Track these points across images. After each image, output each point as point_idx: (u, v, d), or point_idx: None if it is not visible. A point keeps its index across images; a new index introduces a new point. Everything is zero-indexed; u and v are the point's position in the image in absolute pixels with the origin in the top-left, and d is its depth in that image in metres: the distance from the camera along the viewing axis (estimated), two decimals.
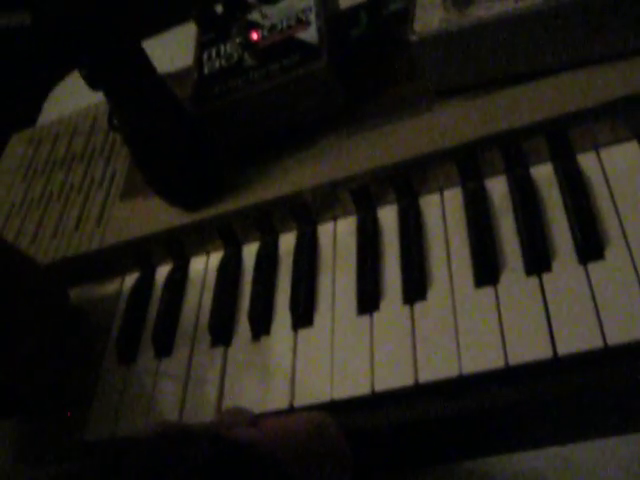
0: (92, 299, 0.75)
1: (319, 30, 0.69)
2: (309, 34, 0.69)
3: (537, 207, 0.60)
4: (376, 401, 0.57)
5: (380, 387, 0.56)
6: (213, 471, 0.39)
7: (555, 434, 0.55)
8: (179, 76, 0.77)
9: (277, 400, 0.59)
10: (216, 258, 0.71)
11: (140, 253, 0.73)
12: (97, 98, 0.95)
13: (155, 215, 0.72)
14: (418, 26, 0.63)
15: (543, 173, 0.62)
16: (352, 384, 0.57)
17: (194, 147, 0.68)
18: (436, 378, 0.55)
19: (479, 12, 0.61)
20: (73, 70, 1.23)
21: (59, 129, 0.91)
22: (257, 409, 0.58)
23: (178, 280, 0.71)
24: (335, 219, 0.68)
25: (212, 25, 0.77)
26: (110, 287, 0.75)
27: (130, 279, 0.74)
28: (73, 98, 1.16)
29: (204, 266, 0.71)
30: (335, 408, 0.57)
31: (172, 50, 0.90)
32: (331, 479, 0.49)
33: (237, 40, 0.71)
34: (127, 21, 0.62)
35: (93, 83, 0.61)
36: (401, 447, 0.57)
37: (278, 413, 0.58)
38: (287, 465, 0.44)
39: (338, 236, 0.66)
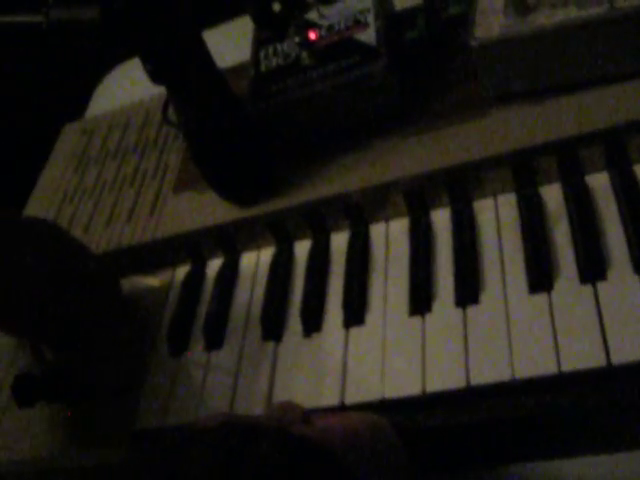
0: (142, 290, 0.76)
1: (377, 32, 0.70)
2: (367, 35, 0.70)
3: (592, 216, 0.60)
4: (425, 402, 0.57)
5: (431, 388, 0.57)
6: (281, 467, 0.40)
7: (603, 443, 0.55)
8: (234, 71, 0.78)
9: (328, 396, 0.60)
10: (267, 254, 0.72)
11: (192, 246, 0.74)
12: (144, 90, 0.97)
13: (208, 209, 0.73)
14: (479, 31, 0.63)
15: (599, 182, 0.62)
16: (403, 384, 0.58)
17: (250, 144, 0.69)
18: (488, 381, 0.55)
19: (541, 19, 0.62)
20: (120, 63, 1.25)
21: (112, 121, 0.93)
22: (307, 404, 0.59)
23: (229, 274, 0.72)
24: (387, 220, 0.68)
25: (269, 23, 0.78)
26: (160, 279, 0.76)
27: (181, 271, 0.75)
28: (121, 90, 1.18)
29: (255, 261, 0.72)
30: (385, 407, 0.57)
31: (224, 45, 0.90)
32: None
33: (295, 39, 0.72)
34: (191, 15, 0.63)
35: (157, 78, 0.62)
36: (450, 448, 0.58)
37: (328, 410, 0.59)
38: (353, 465, 0.45)
39: (390, 237, 0.67)
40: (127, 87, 1.19)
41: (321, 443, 0.45)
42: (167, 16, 0.60)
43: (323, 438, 0.47)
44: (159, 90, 0.86)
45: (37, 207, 0.87)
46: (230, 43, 0.91)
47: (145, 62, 0.62)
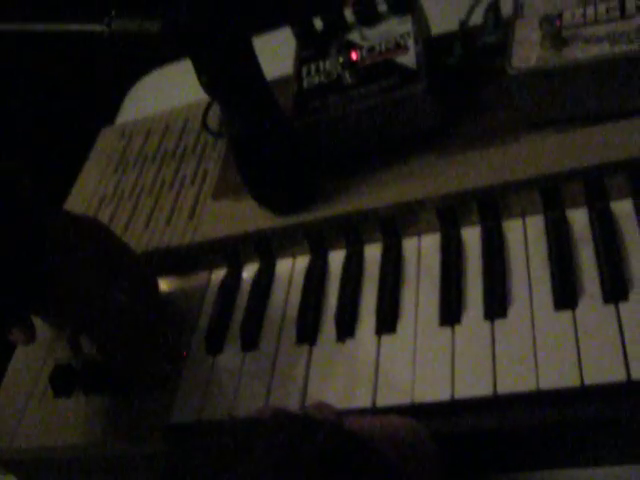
0: (179, 291, 0.80)
1: (418, 55, 0.73)
2: (408, 58, 0.74)
3: (616, 240, 0.64)
4: (453, 408, 0.61)
5: (460, 395, 0.60)
6: (334, 461, 0.43)
7: (623, 453, 0.58)
8: (276, 84, 0.81)
9: (360, 399, 0.63)
10: (302, 262, 0.75)
11: (229, 251, 0.77)
12: (176, 97, 1.00)
13: (246, 216, 0.77)
14: (516, 61, 0.67)
15: (623, 208, 0.66)
16: (433, 390, 0.61)
17: (292, 156, 0.72)
18: (514, 391, 0.59)
19: (575, 53, 0.65)
20: (152, 69, 1.29)
21: (150, 126, 0.96)
22: (340, 406, 0.62)
23: (266, 279, 0.75)
24: (420, 235, 0.72)
25: (311, 41, 0.82)
26: (197, 281, 0.79)
27: (217, 274, 0.79)
28: (152, 96, 1.22)
29: (291, 268, 0.75)
30: (414, 411, 0.61)
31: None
32: None
33: (339, 59, 0.76)
34: (246, 31, 0.67)
35: (211, 90, 0.66)
36: (475, 454, 0.61)
37: (359, 412, 0.62)
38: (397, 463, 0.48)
39: (422, 251, 0.71)
40: (159, 93, 1.23)
41: (369, 439, 0.48)
42: (225, 32, 0.64)
43: (370, 435, 0.50)
44: (193, 96, 0.91)
45: (76, 207, 0.91)
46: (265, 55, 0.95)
47: (200, 74, 0.66)
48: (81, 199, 0.93)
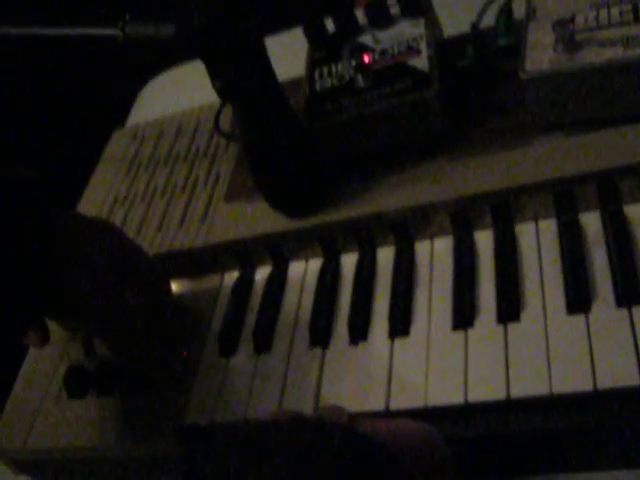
0: (192, 293, 0.80)
1: (430, 59, 0.73)
2: (420, 62, 0.74)
3: (629, 244, 0.64)
4: (467, 412, 0.61)
5: (473, 398, 0.60)
6: (350, 465, 0.43)
7: (631, 458, 0.58)
8: (287, 86, 0.81)
9: (373, 402, 0.63)
10: (314, 264, 0.76)
11: (242, 253, 0.78)
12: (186, 99, 1.01)
13: (259, 219, 0.77)
14: (529, 64, 0.67)
15: (636, 212, 0.66)
16: (446, 393, 0.61)
17: (305, 159, 0.73)
18: (527, 395, 0.59)
19: (589, 57, 0.65)
20: (162, 71, 1.30)
21: (162, 128, 0.97)
22: (353, 409, 0.62)
23: (278, 282, 0.75)
24: (432, 237, 0.72)
25: (323, 43, 0.82)
26: (209, 283, 0.80)
27: (229, 277, 0.79)
28: (163, 98, 1.22)
29: (303, 271, 0.76)
30: (427, 415, 0.61)
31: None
32: None
33: (351, 62, 0.76)
34: (260, 36, 0.67)
35: (225, 94, 0.66)
36: (488, 457, 0.61)
37: (373, 415, 0.63)
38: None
39: (435, 254, 0.71)
40: (169, 95, 1.24)
41: (384, 442, 0.48)
42: (238, 36, 0.64)
43: (384, 439, 0.50)
44: (204, 98, 0.91)
45: (88, 209, 0.91)
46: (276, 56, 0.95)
47: (214, 79, 0.66)
48: (94, 201, 0.93)
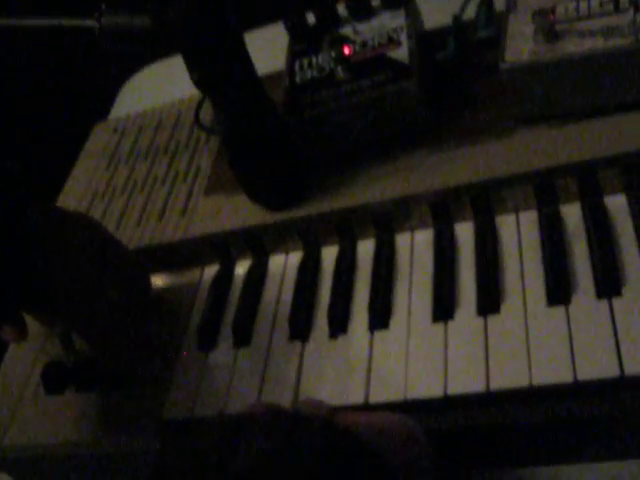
0: (171, 287, 0.79)
1: (410, 50, 0.73)
2: (400, 53, 0.73)
3: (609, 235, 0.63)
4: (447, 404, 0.60)
5: (452, 391, 0.60)
6: (326, 457, 0.43)
7: (614, 449, 0.58)
8: (267, 79, 0.81)
9: (353, 395, 0.63)
10: (294, 257, 0.75)
11: (222, 247, 0.77)
12: (170, 92, 1.00)
13: (238, 212, 0.77)
14: (509, 55, 0.67)
15: (616, 203, 0.66)
16: (426, 386, 0.61)
17: (284, 151, 0.72)
18: (507, 387, 0.58)
19: (568, 47, 0.65)
20: (145, 65, 1.29)
21: (143, 122, 0.96)
22: (333, 402, 0.62)
23: (258, 275, 0.75)
24: (413, 230, 0.71)
25: (304, 36, 0.81)
26: (189, 277, 0.79)
27: (209, 271, 0.79)
28: (146, 92, 1.21)
29: (283, 264, 0.75)
30: (407, 408, 0.61)
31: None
32: None
33: (331, 53, 0.75)
34: (238, 28, 0.66)
35: (202, 86, 0.65)
36: (467, 450, 0.61)
37: (352, 409, 0.62)
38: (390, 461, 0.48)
39: (415, 246, 0.70)
40: (152, 89, 1.23)
41: (362, 434, 0.48)
42: (215, 28, 0.64)
43: (363, 431, 0.50)
44: (187, 92, 0.90)
45: (68, 203, 0.90)
46: (258, 50, 0.95)
47: (191, 71, 0.65)
48: (74, 195, 0.93)
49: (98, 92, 1.30)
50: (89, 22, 0.68)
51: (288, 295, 0.72)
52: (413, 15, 0.77)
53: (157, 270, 0.80)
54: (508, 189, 0.68)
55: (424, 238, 0.71)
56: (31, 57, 1.54)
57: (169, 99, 0.99)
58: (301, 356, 0.67)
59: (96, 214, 0.87)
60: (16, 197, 0.65)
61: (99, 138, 0.98)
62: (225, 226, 0.77)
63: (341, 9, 0.81)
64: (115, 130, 0.97)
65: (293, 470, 0.43)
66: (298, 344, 0.68)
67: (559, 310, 0.61)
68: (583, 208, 0.66)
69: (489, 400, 0.59)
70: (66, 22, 0.70)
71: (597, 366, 0.57)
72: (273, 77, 0.82)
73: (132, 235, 0.82)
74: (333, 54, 0.76)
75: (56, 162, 1.09)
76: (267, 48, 0.85)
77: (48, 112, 1.75)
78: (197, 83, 0.65)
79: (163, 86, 1.22)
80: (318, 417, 0.48)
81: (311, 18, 0.82)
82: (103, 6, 0.67)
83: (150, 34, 0.64)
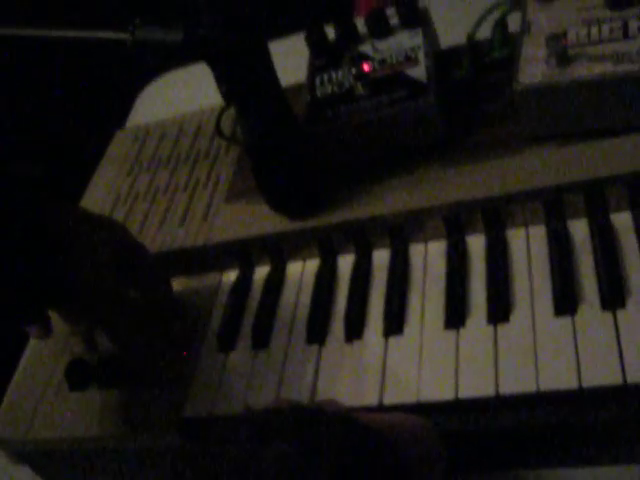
0: (192, 292, 0.82)
1: (427, 69, 0.76)
2: (418, 71, 0.77)
3: (614, 250, 0.66)
4: (457, 407, 0.63)
5: (463, 394, 0.63)
6: (347, 453, 0.45)
7: (617, 454, 0.61)
8: (290, 91, 0.84)
9: (368, 396, 0.66)
10: (312, 265, 0.78)
11: (241, 253, 0.80)
12: (187, 102, 1.03)
13: (258, 220, 0.80)
14: (522, 77, 0.70)
15: (622, 220, 0.69)
16: (437, 389, 0.64)
17: (304, 162, 0.75)
18: (515, 391, 0.61)
19: (580, 71, 0.68)
20: (162, 73, 1.32)
21: (164, 129, 0.99)
22: (348, 403, 0.65)
23: (276, 281, 0.78)
24: (426, 241, 0.75)
25: (324, 51, 0.85)
26: (209, 282, 0.82)
27: (228, 276, 0.82)
28: (162, 100, 1.24)
29: (301, 271, 0.78)
30: (419, 410, 0.64)
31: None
32: None
33: (352, 70, 0.79)
34: (264, 43, 0.70)
35: (230, 98, 0.68)
36: (477, 451, 0.64)
37: (367, 410, 0.65)
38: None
39: (429, 257, 0.73)
40: (169, 97, 1.26)
41: (380, 430, 0.51)
42: (245, 43, 0.67)
43: (380, 428, 0.53)
44: (202, 100, 0.93)
45: (90, 208, 0.93)
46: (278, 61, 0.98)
47: (220, 83, 0.68)
48: (95, 200, 0.95)
49: (116, 100, 1.33)
50: (122, 35, 0.71)
51: (306, 301, 0.75)
52: (430, 34, 0.81)
53: (178, 274, 0.83)
54: (518, 204, 0.71)
55: (437, 249, 0.74)
56: (52, 65, 1.57)
57: (185, 107, 1.03)
58: (318, 359, 0.70)
59: (118, 218, 0.90)
60: (39, 199, 0.68)
61: (120, 145, 1.01)
62: (245, 233, 0.79)
63: (361, 26, 0.84)
64: (136, 137, 1.00)
65: (322, 465, 0.45)
66: (315, 348, 0.71)
67: (565, 320, 0.64)
68: (590, 224, 0.70)
69: (498, 404, 0.62)
70: (100, 34, 0.73)
71: (601, 373, 0.60)
72: (292, 89, 0.84)
73: (153, 240, 0.85)
74: (353, 71, 0.79)
75: (75, 169, 1.12)
76: (284, 60, 0.88)
77: (68, 119, 1.77)
78: (225, 95, 0.68)
79: (180, 94, 1.25)
80: (340, 412, 0.51)
81: (331, 34, 0.85)
82: (137, 20, 0.70)
83: (181, 48, 0.67)
